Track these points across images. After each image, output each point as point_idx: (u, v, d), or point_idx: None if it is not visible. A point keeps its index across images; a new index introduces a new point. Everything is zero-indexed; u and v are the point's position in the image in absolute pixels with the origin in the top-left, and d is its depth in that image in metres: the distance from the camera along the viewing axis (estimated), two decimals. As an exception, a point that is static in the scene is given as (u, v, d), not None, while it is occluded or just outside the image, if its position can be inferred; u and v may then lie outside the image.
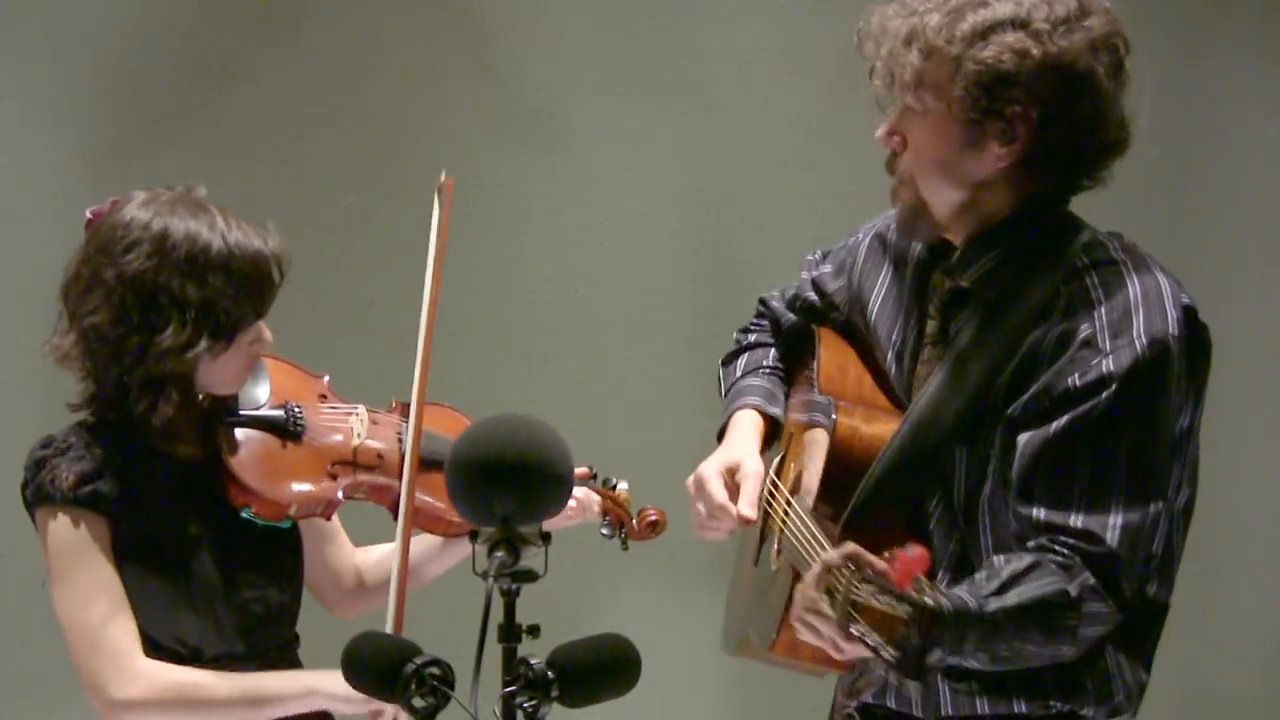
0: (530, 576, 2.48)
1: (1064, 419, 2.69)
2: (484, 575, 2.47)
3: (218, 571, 3.06)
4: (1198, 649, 4.49)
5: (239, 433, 3.09)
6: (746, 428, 3.13)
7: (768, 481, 3.08)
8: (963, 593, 2.62)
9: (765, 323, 3.26)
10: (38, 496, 3.01)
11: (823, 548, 2.69)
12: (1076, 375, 2.70)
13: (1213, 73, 4.82)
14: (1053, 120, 2.75)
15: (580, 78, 4.84)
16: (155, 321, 2.96)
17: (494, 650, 2.44)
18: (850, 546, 2.52)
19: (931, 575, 2.44)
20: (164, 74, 4.77)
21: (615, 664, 2.52)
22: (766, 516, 3.06)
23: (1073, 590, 2.65)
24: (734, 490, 3.03)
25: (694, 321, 4.86)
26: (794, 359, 3.21)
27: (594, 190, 4.84)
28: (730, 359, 3.26)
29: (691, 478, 3.07)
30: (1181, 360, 2.72)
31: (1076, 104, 2.75)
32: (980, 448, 2.79)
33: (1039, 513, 2.70)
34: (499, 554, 2.46)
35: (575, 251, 4.82)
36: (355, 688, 2.56)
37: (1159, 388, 2.70)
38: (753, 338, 3.26)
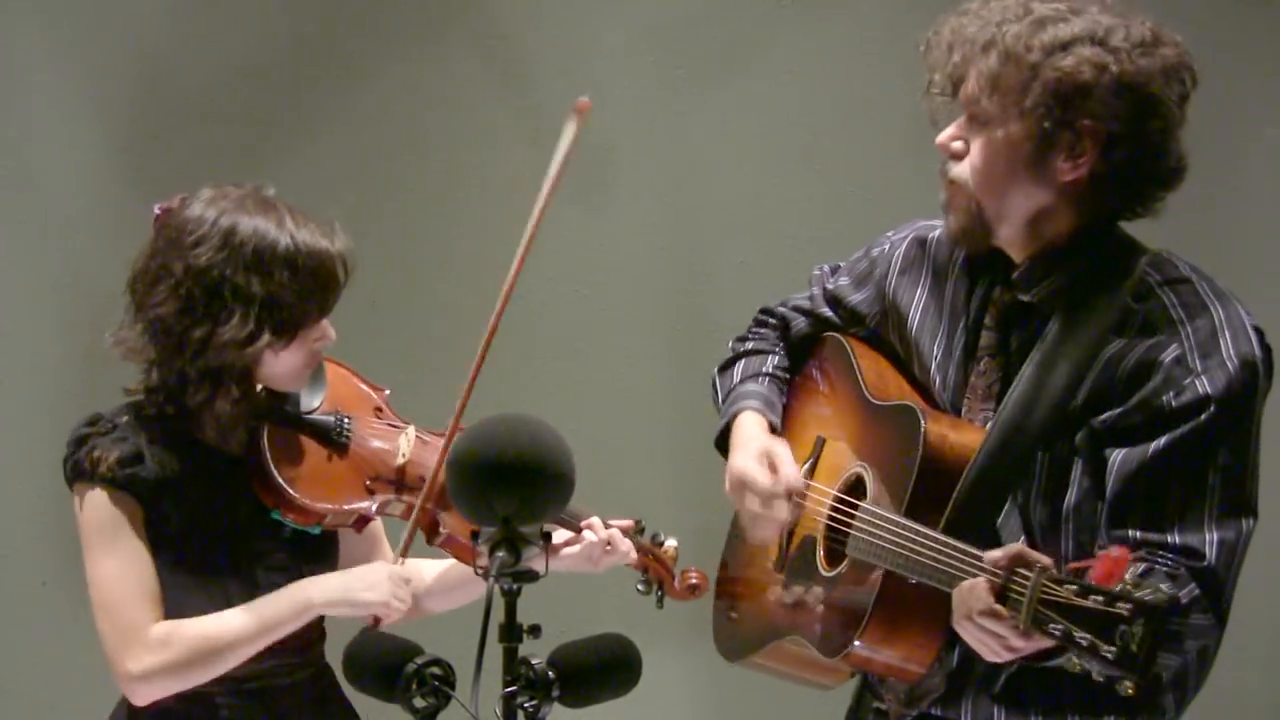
0: (531, 576, 2.48)
1: (1161, 441, 2.72)
2: (485, 575, 2.47)
3: (242, 567, 3.08)
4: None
5: (283, 434, 3.10)
6: (755, 426, 3.12)
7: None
8: None
9: (764, 331, 3.26)
10: (76, 472, 3.04)
11: (953, 549, 2.70)
12: (1172, 395, 2.72)
13: (1213, 73, 4.81)
14: (1121, 140, 2.76)
15: (582, 78, 4.83)
16: (220, 314, 2.99)
17: (495, 650, 2.44)
18: (1017, 548, 2.58)
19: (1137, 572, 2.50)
20: (195, 79, 4.78)
21: (616, 664, 2.53)
22: (793, 529, 3.04)
23: (1183, 598, 2.67)
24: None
25: (695, 321, 4.86)
26: (797, 366, 3.21)
27: (595, 190, 4.84)
28: (726, 366, 3.26)
29: (729, 481, 3.07)
30: (1265, 381, 2.77)
31: (1146, 126, 2.77)
32: (1060, 452, 2.81)
33: (1135, 534, 2.73)
34: (500, 554, 2.46)
35: (577, 252, 4.83)
36: (357, 688, 2.56)
37: (1248, 409, 2.75)
38: (750, 345, 3.26)
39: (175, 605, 3.04)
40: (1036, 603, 2.51)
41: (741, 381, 3.21)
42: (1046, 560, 2.57)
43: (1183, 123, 2.81)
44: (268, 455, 3.07)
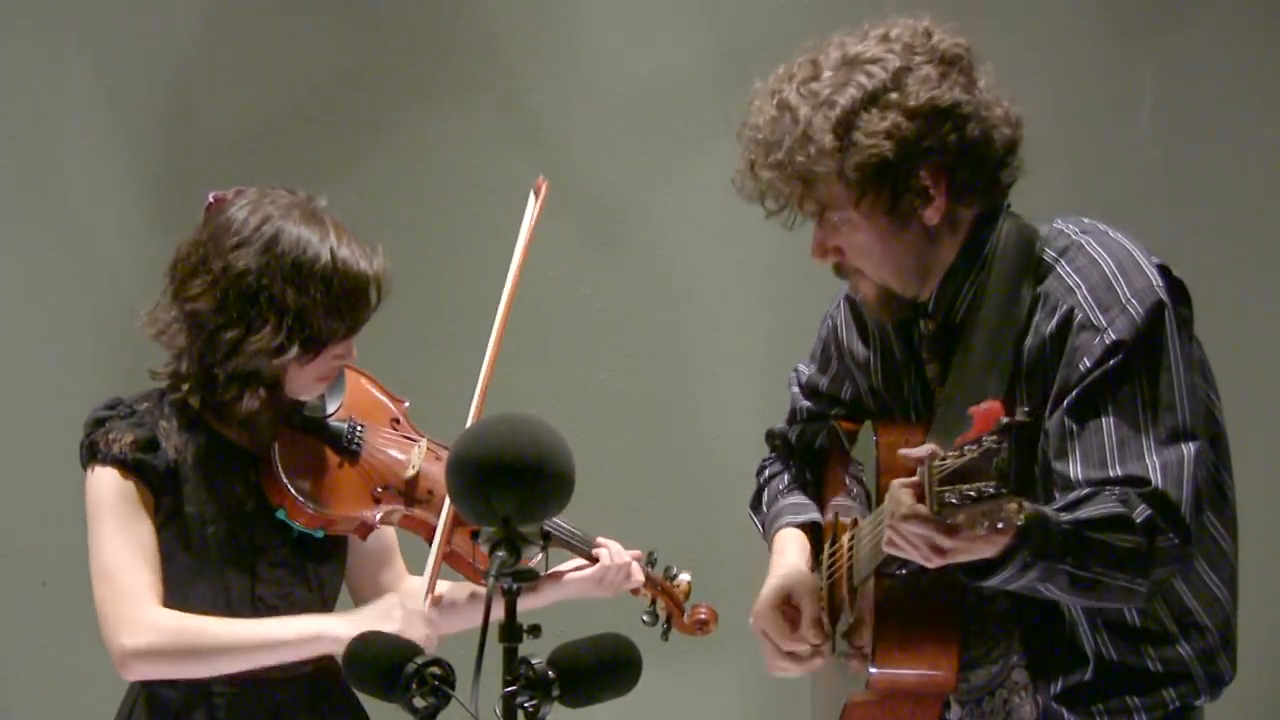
0: (531, 576, 2.48)
1: (1078, 389, 2.71)
2: (485, 575, 2.47)
3: (244, 561, 3.09)
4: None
5: (295, 436, 3.12)
6: (789, 546, 3.11)
7: (824, 568, 3.06)
8: (1035, 505, 2.63)
9: (774, 455, 3.26)
10: (91, 453, 3.06)
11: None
12: (1085, 360, 2.72)
13: (1213, 73, 4.82)
14: (955, 161, 2.76)
15: (582, 77, 4.84)
16: (253, 321, 3.01)
17: (495, 650, 2.44)
18: (924, 448, 2.55)
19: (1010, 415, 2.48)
20: (219, 94, 4.79)
21: (616, 663, 2.52)
22: (833, 596, 3.02)
23: (1136, 517, 2.65)
24: (794, 617, 3.01)
25: (694, 319, 4.86)
26: (818, 468, 3.21)
27: (596, 189, 4.85)
28: (756, 500, 3.26)
29: (752, 618, 3.05)
30: (1172, 310, 2.73)
31: (964, 134, 2.75)
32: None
33: (1076, 474, 2.70)
34: (500, 553, 2.46)
35: (577, 252, 4.83)
36: (357, 688, 2.57)
37: (1161, 338, 2.72)
38: (767, 472, 3.26)
39: (176, 592, 3.05)
40: (935, 483, 2.47)
41: (770, 506, 3.21)
42: (935, 448, 2.53)
43: (987, 97, 2.77)
44: (276, 456, 3.09)
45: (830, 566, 3.04)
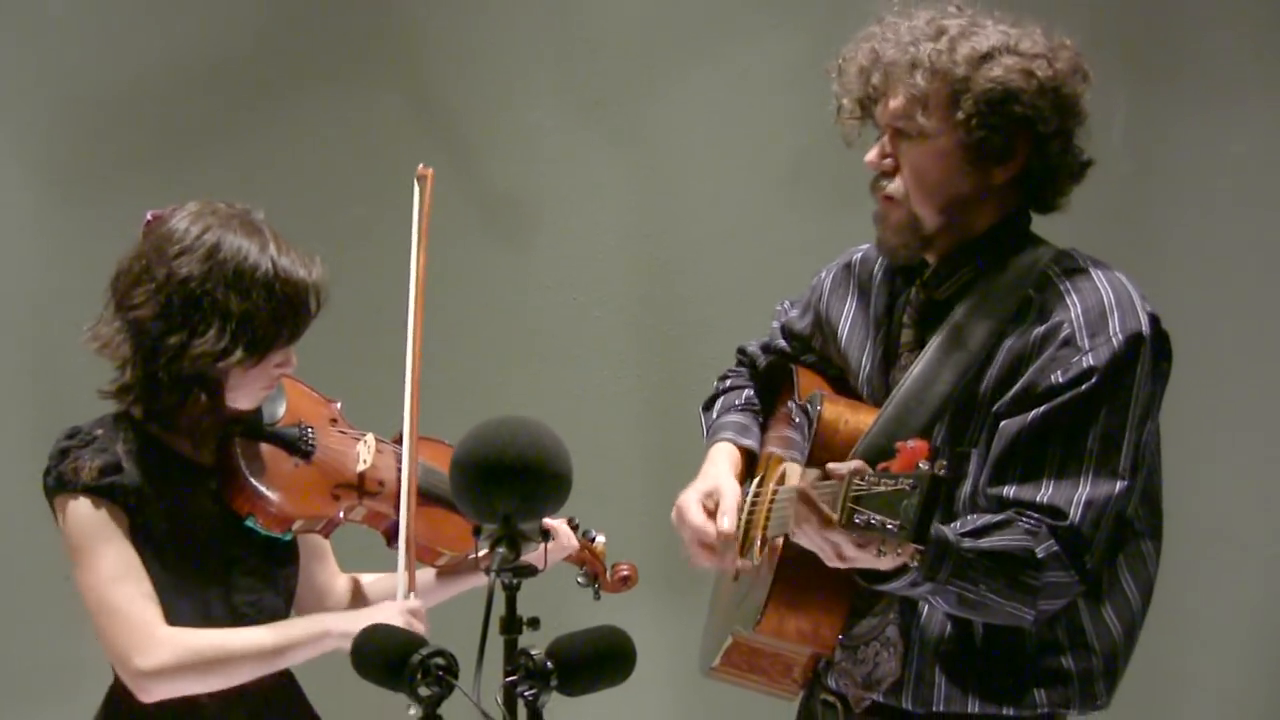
0: (530, 571, 2.55)
1: (1044, 406, 2.85)
2: (486, 570, 2.54)
3: (219, 572, 3.12)
4: (1175, 640, 4.54)
5: (252, 445, 3.16)
6: (720, 457, 3.25)
7: (747, 501, 3.18)
8: (942, 527, 2.78)
9: (740, 369, 3.40)
10: (58, 484, 3.06)
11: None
12: (1059, 372, 2.85)
13: (1182, 92, 4.88)
14: (1048, 139, 2.90)
15: (578, 82, 4.87)
16: (197, 325, 3.03)
17: (496, 642, 2.51)
18: (853, 463, 2.70)
19: (931, 460, 2.62)
20: (142, 96, 4.80)
21: (612, 654, 2.60)
22: (748, 531, 3.15)
23: (1039, 552, 2.81)
24: (712, 513, 3.14)
25: (691, 325, 4.91)
26: (771, 396, 3.34)
27: (591, 198, 4.89)
28: (709, 404, 3.39)
29: (674, 510, 3.18)
30: (1150, 357, 2.87)
31: (1065, 124, 2.92)
32: (963, 446, 2.93)
33: (1009, 491, 2.85)
34: (501, 550, 2.54)
35: (572, 260, 4.87)
36: (363, 677, 2.63)
37: (1131, 379, 2.85)
38: (729, 382, 3.39)
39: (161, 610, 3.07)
40: (849, 500, 2.63)
41: (719, 415, 3.34)
42: (863, 465, 2.69)
43: (1087, 119, 2.95)
44: (241, 465, 3.11)
45: (753, 503, 3.15)
